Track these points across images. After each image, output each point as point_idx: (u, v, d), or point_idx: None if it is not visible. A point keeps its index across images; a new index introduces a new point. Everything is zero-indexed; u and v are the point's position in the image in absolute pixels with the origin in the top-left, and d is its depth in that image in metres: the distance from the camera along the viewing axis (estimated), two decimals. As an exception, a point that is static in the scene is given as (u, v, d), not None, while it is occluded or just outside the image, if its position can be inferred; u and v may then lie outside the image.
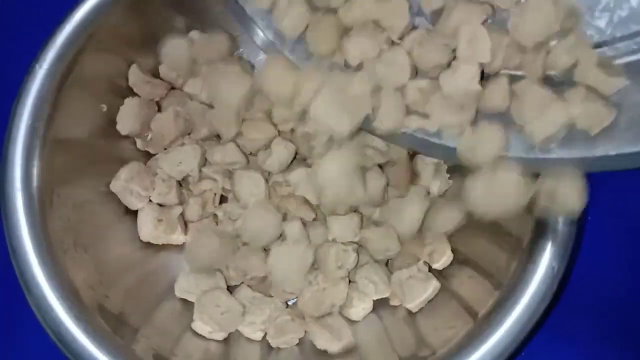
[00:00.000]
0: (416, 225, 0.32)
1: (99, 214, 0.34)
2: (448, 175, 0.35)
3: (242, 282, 0.34)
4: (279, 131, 0.35)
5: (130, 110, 0.35)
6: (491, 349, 0.27)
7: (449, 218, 0.32)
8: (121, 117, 0.35)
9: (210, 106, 0.36)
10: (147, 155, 0.37)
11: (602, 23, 0.25)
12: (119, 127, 0.35)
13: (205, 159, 0.36)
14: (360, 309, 0.33)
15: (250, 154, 0.36)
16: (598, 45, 0.25)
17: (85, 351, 0.28)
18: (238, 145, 0.35)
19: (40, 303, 0.29)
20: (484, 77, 0.26)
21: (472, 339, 0.28)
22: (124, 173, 0.34)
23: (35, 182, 0.30)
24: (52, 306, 0.29)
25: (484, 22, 0.25)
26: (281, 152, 0.33)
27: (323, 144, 0.27)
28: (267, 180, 0.34)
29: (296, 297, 0.34)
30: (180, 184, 0.36)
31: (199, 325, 0.33)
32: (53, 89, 0.32)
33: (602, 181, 0.37)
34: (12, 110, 0.31)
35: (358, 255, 0.33)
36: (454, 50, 0.26)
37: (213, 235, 0.32)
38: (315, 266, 0.33)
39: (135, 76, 0.35)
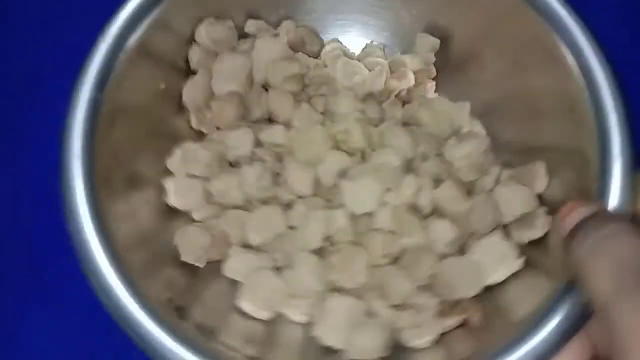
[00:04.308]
0: None
1: (154, 188, 0.35)
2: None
3: (289, 265, 0.35)
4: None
5: (199, 83, 0.36)
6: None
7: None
8: (188, 87, 0.36)
9: (267, 88, 0.37)
10: (200, 135, 0.37)
11: None
12: (184, 97, 0.36)
13: (258, 140, 0.36)
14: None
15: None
16: None
17: (140, 324, 0.29)
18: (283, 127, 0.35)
19: (100, 281, 0.29)
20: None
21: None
22: (182, 148, 0.35)
23: (94, 153, 0.31)
24: (109, 281, 0.29)
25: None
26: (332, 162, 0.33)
27: None
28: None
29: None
30: (232, 164, 0.36)
31: (244, 304, 0.33)
32: (115, 61, 0.32)
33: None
34: (75, 82, 0.32)
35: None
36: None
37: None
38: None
39: (200, 53, 0.36)
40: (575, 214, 0.26)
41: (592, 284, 0.24)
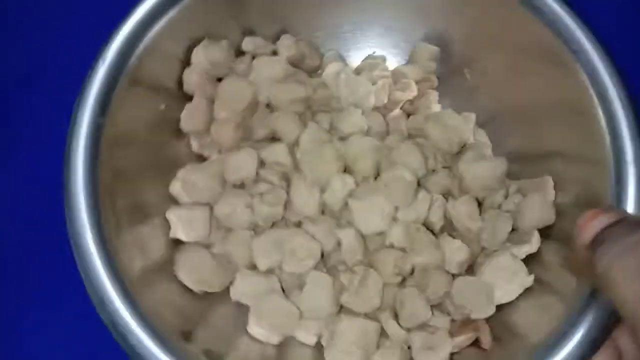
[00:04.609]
0: None
1: (159, 216, 0.34)
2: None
3: (297, 287, 0.34)
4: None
5: (197, 108, 0.35)
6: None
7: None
8: (186, 113, 0.35)
9: (272, 109, 0.36)
10: (202, 158, 0.37)
11: None
12: (182, 124, 0.35)
13: (262, 161, 0.35)
14: None
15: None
16: None
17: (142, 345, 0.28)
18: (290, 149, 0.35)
19: (103, 301, 0.28)
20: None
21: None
22: (182, 175, 0.34)
23: (97, 179, 0.30)
24: (111, 298, 0.28)
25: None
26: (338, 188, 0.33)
27: None
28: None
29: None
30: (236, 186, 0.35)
31: (255, 330, 0.33)
32: (115, 85, 0.31)
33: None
34: (75, 107, 0.31)
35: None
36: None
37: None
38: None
39: (198, 76, 0.35)
40: (597, 222, 0.25)
41: (620, 291, 0.23)
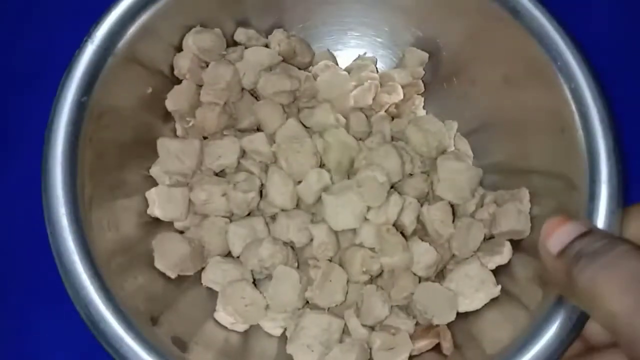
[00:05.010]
0: None
1: (136, 196, 0.34)
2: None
3: (267, 277, 0.34)
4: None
5: (185, 90, 0.35)
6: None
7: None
8: (173, 94, 0.35)
9: (257, 98, 0.37)
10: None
11: None
12: (167, 102, 0.35)
13: (244, 151, 0.36)
14: None
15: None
16: None
17: (111, 329, 0.29)
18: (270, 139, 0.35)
19: (73, 281, 0.29)
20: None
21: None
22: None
23: (77, 156, 0.30)
24: (84, 284, 0.29)
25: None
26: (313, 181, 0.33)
27: None
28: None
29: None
30: (217, 174, 0.36)
31: (221, 316, 0.33)
32: (102, 65, 0.32)
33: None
34: (60, 84, 0.31)
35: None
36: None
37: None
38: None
39: (191, 61, 0.35)
40: (563, 231, 0.25)
41: (607, 306, 0.22)
